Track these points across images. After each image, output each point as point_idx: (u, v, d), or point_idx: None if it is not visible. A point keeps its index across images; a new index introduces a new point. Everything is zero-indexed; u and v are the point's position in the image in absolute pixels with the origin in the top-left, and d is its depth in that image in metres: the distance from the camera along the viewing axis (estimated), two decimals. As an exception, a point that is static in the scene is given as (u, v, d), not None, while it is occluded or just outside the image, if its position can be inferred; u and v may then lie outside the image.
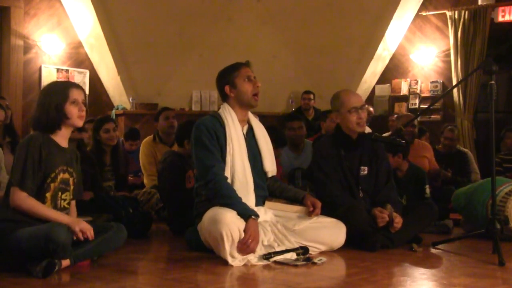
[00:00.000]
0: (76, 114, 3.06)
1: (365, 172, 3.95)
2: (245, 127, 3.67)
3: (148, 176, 5.57)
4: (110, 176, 4.93)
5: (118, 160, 4.99)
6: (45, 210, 2.96)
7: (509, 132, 6.39)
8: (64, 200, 3.09)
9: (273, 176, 3.79)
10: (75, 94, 3.07)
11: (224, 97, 3.66)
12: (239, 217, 3.23)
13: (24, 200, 2.92)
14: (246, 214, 3.24)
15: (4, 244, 2.88)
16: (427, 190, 4.61)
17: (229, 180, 3.46)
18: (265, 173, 3.71)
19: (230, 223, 3.14)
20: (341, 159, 3.94)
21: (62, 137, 3.10)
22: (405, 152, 4.69)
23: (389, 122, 7.67)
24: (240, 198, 3.36)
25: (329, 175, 3.91)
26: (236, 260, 3.13)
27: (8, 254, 2.89)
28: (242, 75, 3.59)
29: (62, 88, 3.09)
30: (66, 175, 3.10)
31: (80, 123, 3.11)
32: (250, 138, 3.67)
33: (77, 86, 3.17)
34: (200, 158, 3.49)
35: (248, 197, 3.46)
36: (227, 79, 3.61)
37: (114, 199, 4.34)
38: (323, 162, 3.95)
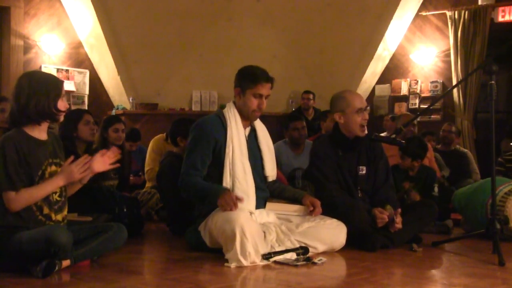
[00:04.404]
0: (64, 109, 3.02)
1: (364, 172, 3.95)
2: (248, 129, 3.68)
3: (147, 172, 5.56)
4: (113, 175, 4.93)
5: (123, 160, 5.00)
6: (39, 190, 2.89)
7: (504, 141, 6.47)
8: (55, 193, 3.01)
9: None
10: (63, 89, 3.04)
11: (235, 96, 3.66)
12: (252, 217, 3.31)
13: (18, 198, 2.84)
14: (219, 194, 3.31)
15: (4, 247, 2.86)
16: (436, 189, 4.61)
17: (229, 183, 3.46)
18: (265, 177, 3.71)
19: (244, 223, 3.12)
20: (339, 160, 3.94)
21: (40, 130, 3.00)
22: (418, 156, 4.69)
23: (384, 121, 7.63)
24: (207, 185, 3.45)
25: (327, 176, 3.90)
26: (245, 261, 3.08)
27: (8, 257, 2.87)
28: (255, 91, 3.54)
29: (56, 82, 3.02)
30: (54, 168, 3.02)
31: (62, 117, 3.07)
32: (252, 140, 3.67)
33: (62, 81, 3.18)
34: (187, 156, 3.57)
35: (249, 200, 3.44)
36: (242, 84, 3.59)
37: (112, 195, 4.32)
38: (321, 163, 3.94)
